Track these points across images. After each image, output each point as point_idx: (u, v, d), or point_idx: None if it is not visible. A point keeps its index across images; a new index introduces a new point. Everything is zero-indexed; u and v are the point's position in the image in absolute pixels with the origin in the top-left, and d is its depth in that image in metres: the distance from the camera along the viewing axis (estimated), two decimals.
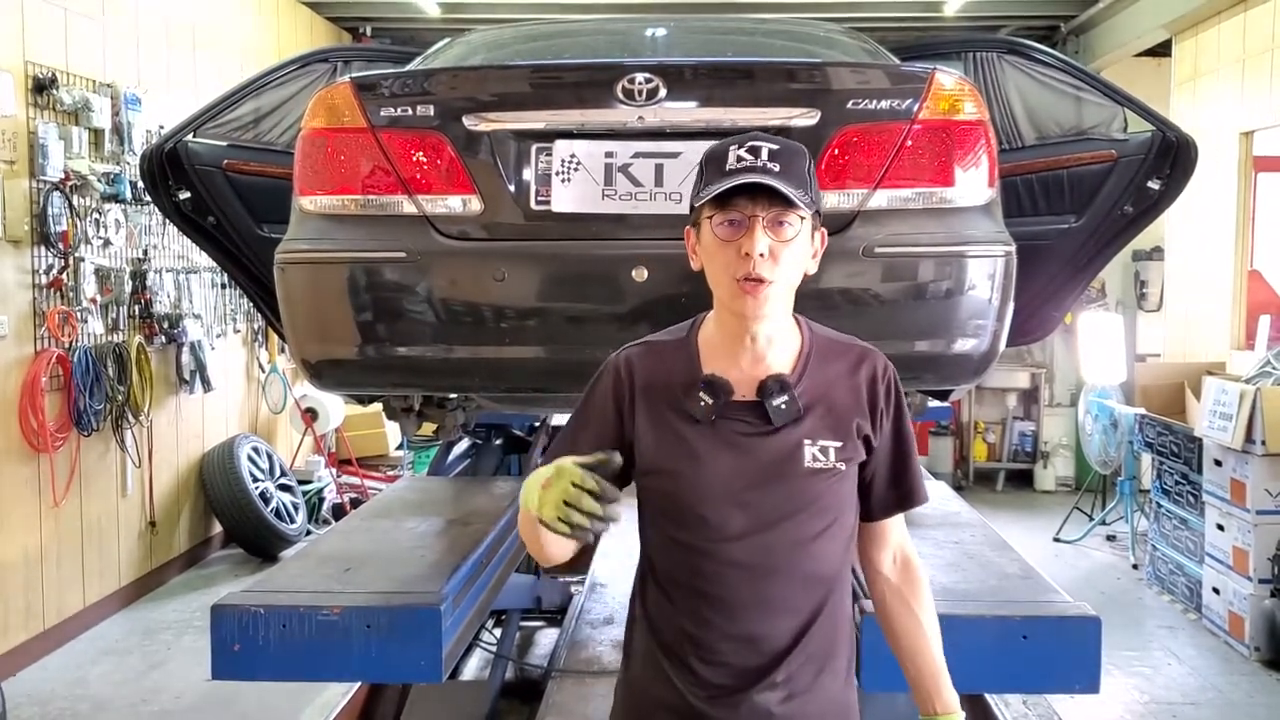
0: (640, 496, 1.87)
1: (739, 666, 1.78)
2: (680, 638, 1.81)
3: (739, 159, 1.72)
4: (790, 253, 1.73)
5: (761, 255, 1.70)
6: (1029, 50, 3.25)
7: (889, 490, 1.88)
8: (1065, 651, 2.47)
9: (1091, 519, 7.68)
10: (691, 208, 1.81)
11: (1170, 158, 2.98)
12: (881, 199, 2.53)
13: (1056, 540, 7.53)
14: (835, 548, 1.82)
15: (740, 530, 1.77)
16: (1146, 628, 5.77)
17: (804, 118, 2.51)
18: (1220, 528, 5.53)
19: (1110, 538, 7.49)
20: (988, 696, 4.05)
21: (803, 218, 1.74)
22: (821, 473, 1.78)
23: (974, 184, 2.57)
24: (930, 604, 1.93)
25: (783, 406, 1.76)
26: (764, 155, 1.71)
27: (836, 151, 2.52)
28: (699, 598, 1.79)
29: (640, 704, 1.86)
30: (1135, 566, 6.84)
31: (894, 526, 1.93)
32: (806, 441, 1.78)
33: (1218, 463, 5.53)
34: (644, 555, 1.90)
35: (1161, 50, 8.17)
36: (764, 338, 1.79)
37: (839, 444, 1.79)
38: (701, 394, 1.77)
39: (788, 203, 1.70)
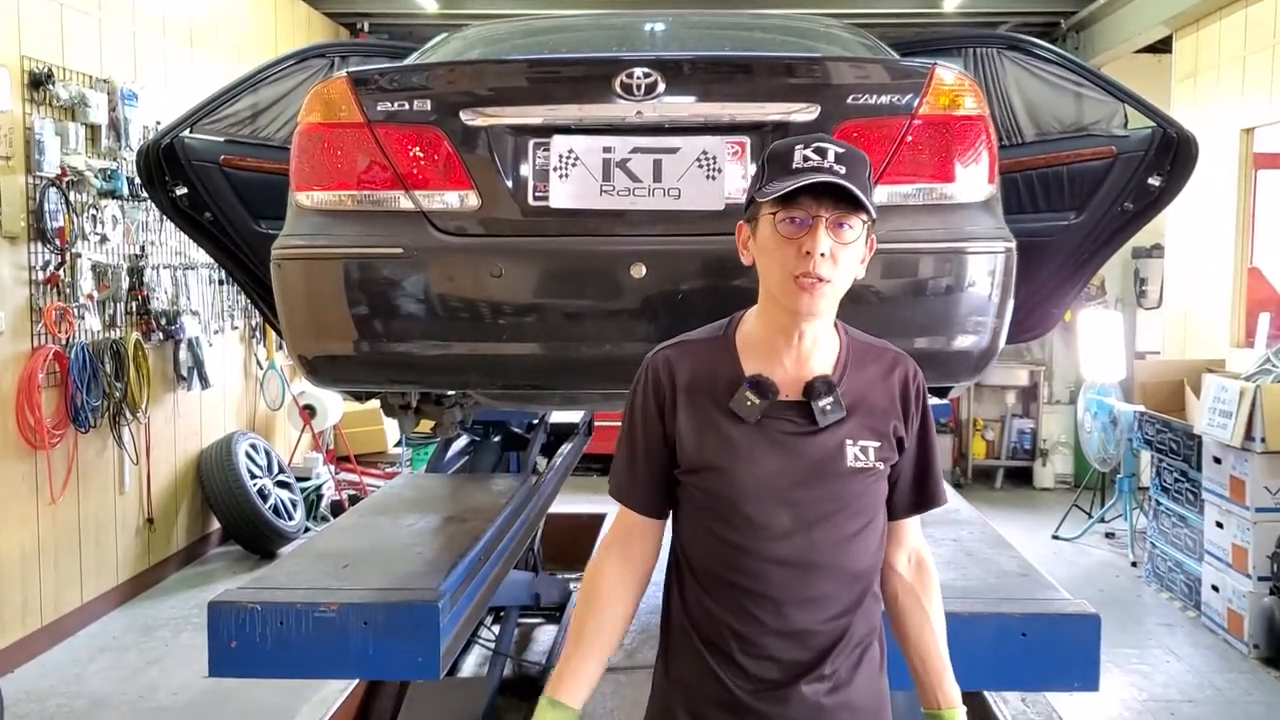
0: (680, 495, 1.89)
1: (786, 661, 1.82)
2: (725, 633, 1.83)
3: (805, 159, 1.75)
4: (848, 255, 1.77)
5: (823, 255, 1.73)
6: (1029, 46, 3.23)
7: (912, 492, 1.93)
8: (1064, 649, 2.47)
9: (1090, 516, 7.68)
10: (750, 202, 1.83)
11: (1171, 154, 2.97)
12: (881, 195, 2.51)
13: (1055, 538, 7.53)
14: (871, 545, 1.88)
15: (785, 529, 1.81)
16: (1145, 625, 5.77)
17: (803, 113, 2.50)
18: (1219, 525, 5.52)
19: (1109, 535, 7.49)
20: (987, 694, 4.06)
21: (864, 222, 1.77)
22: (862, 472, 1.83)
23: (974, 180, 2.55)
24: (939, 603, 1.98)
25: (828, 408, 1.81)
26: (830, 157, 1.74)
27: None
28: (744, 594, 1.82)
29: (686, 701, 1.88)
30: (1134, 564, 6.84)
31: (911, 527, 1.98)
32: (848, 441, 1.83)
33: (1217, 460, 5.52)
34: (680, 552, 1.92)
35: (1162, 47, 8.16)
36: (810, 338, 1.83)
37: (878, 444, 1.84)
38: (749, 393, 1.81)
39: (853, 206, 1.73)
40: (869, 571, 1.87)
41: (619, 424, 1.97)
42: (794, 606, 1.81)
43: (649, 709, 1.98)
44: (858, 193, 1.72)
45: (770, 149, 1.82)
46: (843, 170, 1.73)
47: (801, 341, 1.82)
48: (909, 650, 1.96)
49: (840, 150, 1.76)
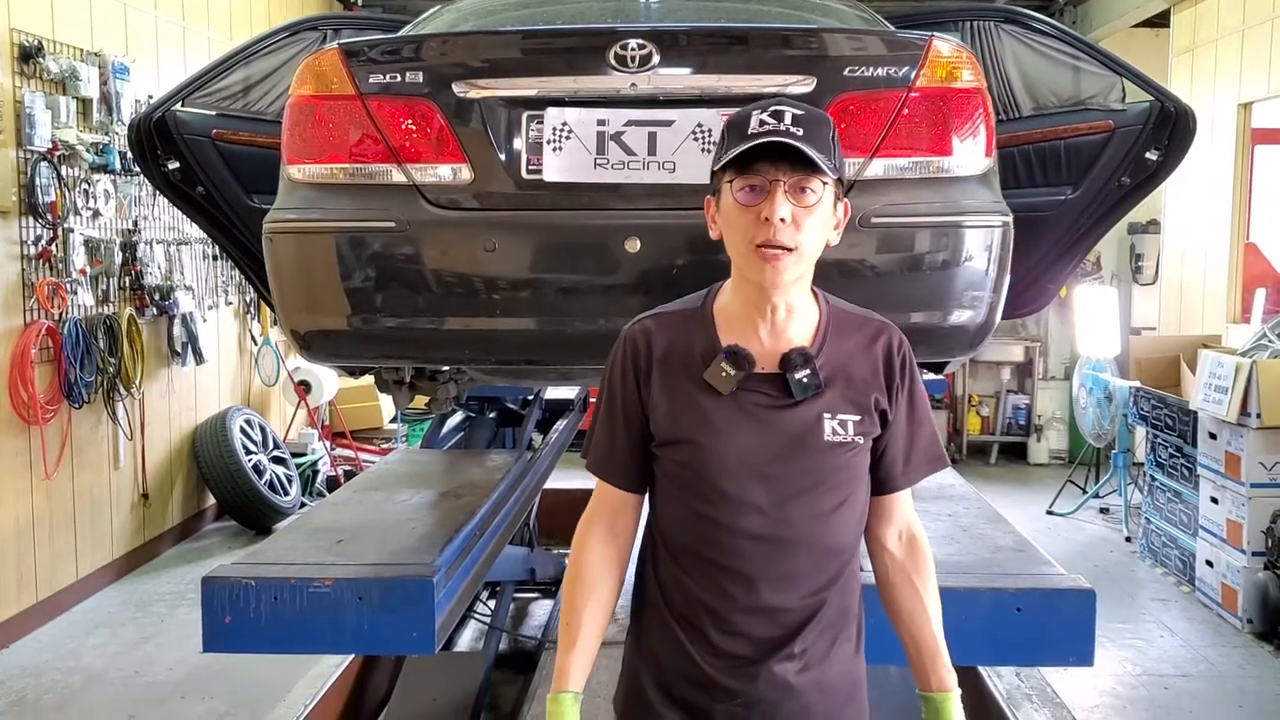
0: (656, 469, 1.86)
1: (757, 637, 1.79)
2: (697, 609, 1.81)
3: (761, 123, 1.70)
4: (813, 220, 1.71)
5: (783, 220, 1.68)
6: (1027, 19, 3.21)
7: (903, 464, 1.88)
8: (1059, 624, 2.47)
9: (1085, 492, 7.70)
10: (712, 174, 1.79)
11: (1168, 128, 2.95)
12: (878, 168, 2.49)
13: (1049, 513, 7.55)
14: (850, 521, 1.83)
15: (761, 503, 1.77)
16: (1139, 600, 5.79)
17: (800, 85, 2.47)
18: (1214, 501, 5.53)
19: (1103, 511, 7.51)
20: (981, 669, 4.07)
21: (825, 183, 1.71)
22: (840, 446, 1.78)
23: (971, 153, 2.53)
24: (933, 582, 1.93)
25: (805, 380, 1.76)
26: (787, 120, 1.69)
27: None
28: (718, 570, 1.79)
29: (657, 675, 1.86)
30: (1128, 539, 6.86)
31: (902, 502, 1.92)
32: (826, 415, 1.78)
33: (1212, 436, 5.53)
34: (655, 527, 1.89)
35: (1160, 21, 8.12)
36: (784, 309, 1.78)
37: (858, 418, 1.80)
38: (724, 365, 1.76)
39: (810, 168, 1.68)
40: (847, 548, 1.84)
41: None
42: (768, 583, 1.78)
43: (619, 682, 1.96)
44: (811, 153, 1.66)
45: (729, 118, 1.78)
46: (800, 132, 1.68)
47: (775, 313, 1.78)
48: (901, 630, 1.92)
49: (798, 112, 1.70)
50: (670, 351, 1.82)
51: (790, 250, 1.69)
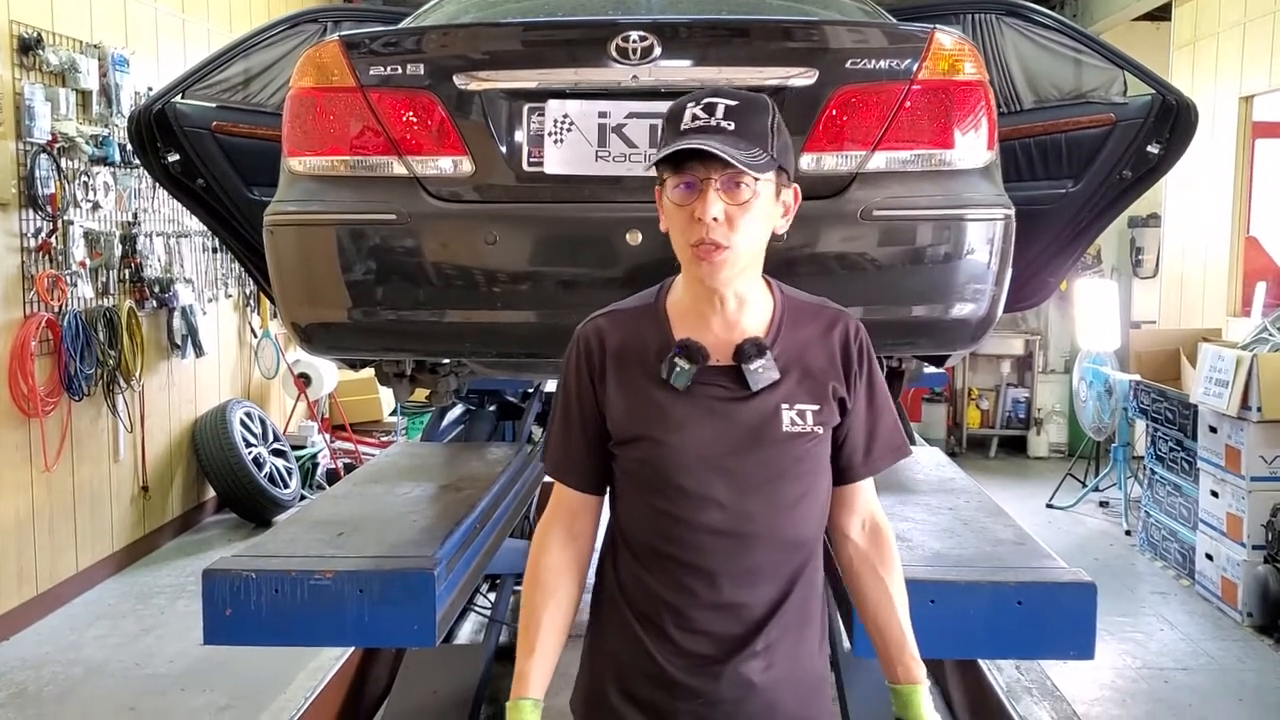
0: (615, 467, 1.83)
1: (720, 635, 1.76)
2: (658, 607, 1.78)
3: (694, 117, 1.66)
4: (748, 217, 1.67)
5: (715, 220, 1.64)
6: (1028, 12, 3.20)
7: (864, 453, 1.85)
8: (1060, 618, 2.47)
9: (1085, 485, 7.70)
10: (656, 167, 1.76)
11: (1170, 121, 2.95)
12: (880, 161, 2.49)
13: (1049, 507, 7.55)
14: (813, 512, 1.81)
15: (720, 497, 1.74)
16: (1139, 594, 5.79)
17: (801, 78, 2.47)
18: (1214, 494, 5.54)
19: (1103, 504, 7.51)
20: (981, 662, 4.08)
21: (759, 179, 1.67)
22: (800, 437, 1.76)
23: (973, 146, 2.53)
24: (899, 572, 1.90)
25: (760, 370, 1.73)
26: (719, 113, 1.65)
27: (834, 112, 2.48)
28: (679, 566, 1.76)
29: (617, 676, 1.83)
30: (1128, 533, 6.86)
31: (864, 491, 1.90)
32: (784, 405, 1.75)
33: (1212, 429, 5.53)
34: (614, 526, 1.87)
35: (1161, 14, 8.10)
36: (734, 300, 1.75)
37: (816, 407, 1.77)
38: (677, 359, 1.73)
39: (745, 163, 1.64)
40: (809, 541, 1.81)
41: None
42: (729, 578, 1.75)
43: (577, 683, 1.93)
44: (736, 154, 1.61)
45: (669, 108, 1.73)
46: (731, 125, 1.64)
47: (726, 305, 1.74)
48: (867, 622, 1.89)
49: (732, 103, 1.66)
50: (624, 348, 1.79)
51: (725, 248, 1.66)
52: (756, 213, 1.68)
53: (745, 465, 1.74)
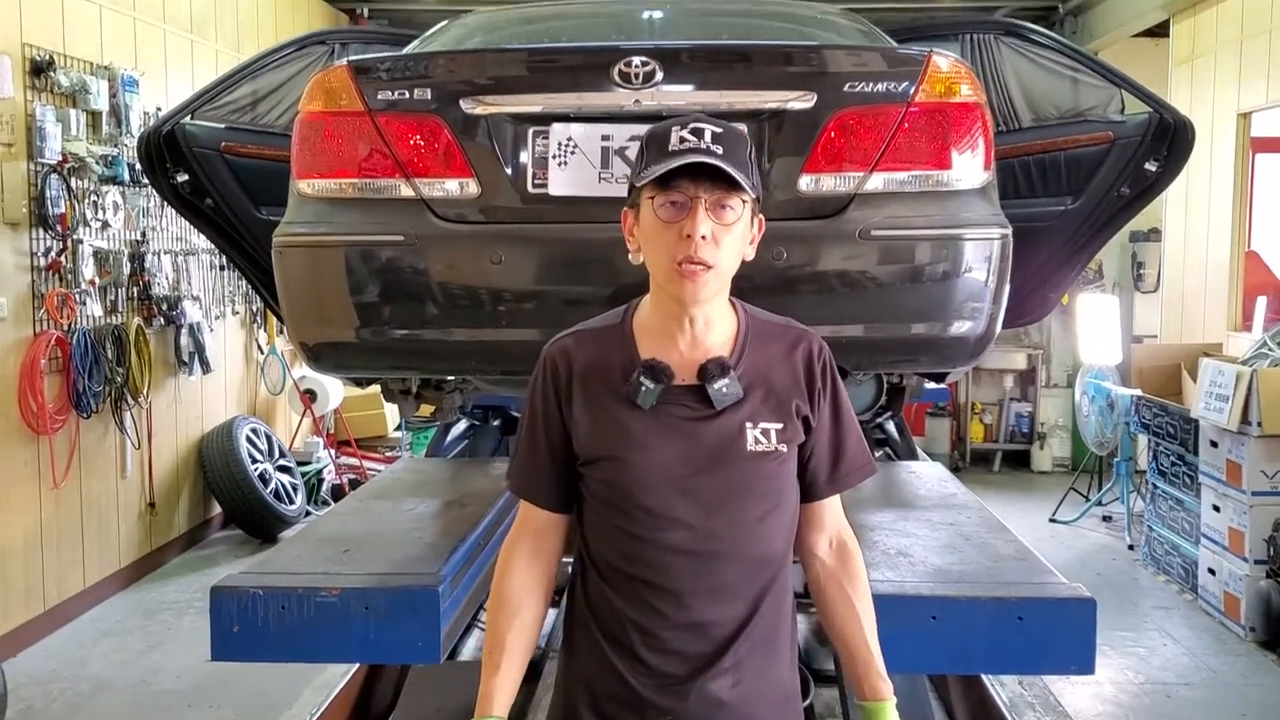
0: (582, 487, 1.84)
1: (688, 654, 1.77)
2: (626, 627, 1.78)
3: (682, 140, 1.69)
4: (731, 237, 1.71)
5: (704, 238, 1.68)
6: (1026, 32, 3.24)
7: (827, 471, 1.86)
8: (1060, 633, 2.48)
9: (1087, 500, 7.71)
10: (631, 188, 1.78)
11: (1167, 139, 2.98)
12: (878, 181, 2.53)
13: (1053, 521, 7.56)
14: (779, 531, 1.81)
15: (686, 517, 1.75)
16: (1142, 608, 5.80)
17: (800, 100, 2.51)
18: (1216, 509, 5.55)
19: (1106, 518, 7.52)
20: (984, 677, 4.09)
21: (745, 201, 1.72)
22: (764, 455, 1.77)
23: (970, 166, 2.57)
24: (866, 589, 1.90)
25: (724, 389, 1.74)
26: (707, 137, 1.69)
27: (833, 134, 2.52)
28: (645, 586, 1.77)
29: (589, 697, 1.83)
30: (1131, 547, 6.87)
31: (831, 510, 1.90)
32: (748, 424, 1.76)
33: (1214, 444, 5.54)
34: (582, 546, 1.87)
35: (1160, 31, 8.15)
36: (701, 320, 1.77)
37: (780, 425, 1.78)
38: (642, 378, 1.75)
39: (731, 186, 1.69)
40: (776, 558, 1.81)
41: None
42: (696, 597, 1.75)
43: (552, 703, 1.93)
44: (734, 172, 1.67)
45: (648, 131, 1.77)
46: (720, 150, 1.67)
47: (694, 325, 1.76)
48: (835, 640, 1.90)
49: (717, 130, 1.70)
50: (590, 368, 1.81)
51: (710, 267, 1.69)
52: (737, 234, 1.73)
53: (710, 484, 1.75)
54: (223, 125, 3.12)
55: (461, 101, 2.56)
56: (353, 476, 7.84)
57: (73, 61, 5.41)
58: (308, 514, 7.19)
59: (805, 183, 2.52)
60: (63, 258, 5.27)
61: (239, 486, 6.73)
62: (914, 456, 4.20)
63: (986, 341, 2.65)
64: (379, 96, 2.59)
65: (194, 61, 6.64)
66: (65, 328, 5.32)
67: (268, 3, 7.80)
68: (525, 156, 2.58)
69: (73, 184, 5.30)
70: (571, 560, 1.94)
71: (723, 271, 1.73)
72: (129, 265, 5.85)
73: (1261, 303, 6.45)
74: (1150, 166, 3.01)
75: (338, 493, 7.58)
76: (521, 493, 1.89)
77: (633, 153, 2.51)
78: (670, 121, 1.74)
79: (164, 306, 6.23)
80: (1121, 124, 3.05)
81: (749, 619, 1.78)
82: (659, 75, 2.49)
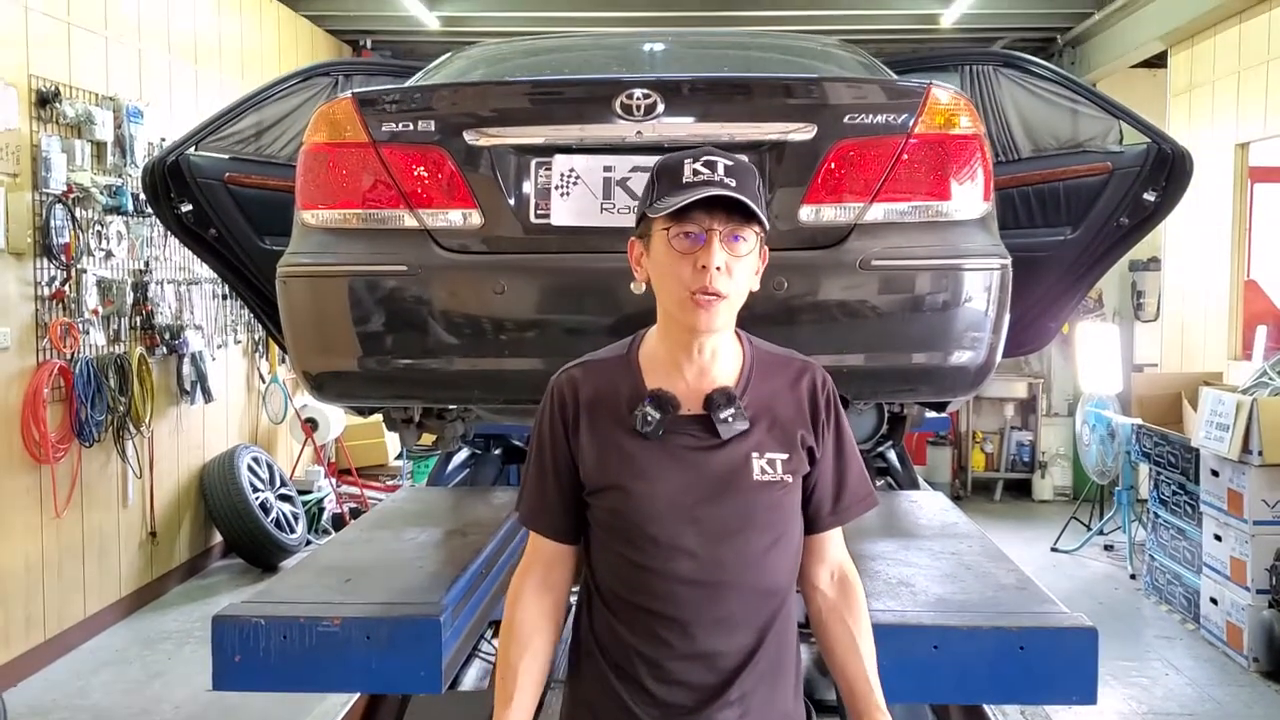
0: (589, 516, 1.85)
1: (695, 684, 1.77)
2: (633, 658, 1.79)
3: (695, 172, 1.72)
4: (742, 268, 1.74)
5: (719, 269, 1.70)
6: (1025, 63, 3.27)
7: (830, 504, 1.87)
8: (1062, 663, 2.47)
9: (1089, 529, 7.69)
10: (640, 219, 1.80)
11: (1166, 170, 3.00)
12: (878, 212, 2.55)
13: (1054, 550, 7.54)
14: (784, 561, 1.82)
15: (691, 547, 1.76)
16: (1144, 638, 5.78)
17: (801, 132, 2.54)
18: (1218, 538, 5.54)
19: (1108, 548, 7.50)
20: (985, 707, 4.07)
21: (757, 233, 1.75)
22: (770, 485, 1.78)
23: (970, 197, 2.59)
24: (866, 622, 1.91)
25: (730, 419, 1.76)
26: (720, 170, 1.72)
27: (833, 165, 2.54)
28: (651, 617, 1.77)
29: None
30: (1133, 576, 6.85)
31: (833, 541, 1.91)
32: (754, 454, 1.78)
33: (1215, 473, 5.54)
34: (589, 576, 1.87)
35: (1158, 62, 8.21)
36: (709, 351, 1.79)
37: (785, 456, 1.79)
38: (648, 408, 1.76)
39: (745, 218, 1.71)
40: (782, 589, 1.82)
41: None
42: (702, 628, 1.76)
43: None
44: (751, 204, 1.69)
45: (659, 163, 1.79)
46: (733, 183, 1.70)
47: (701, 355, 1.78)
48: (834, 672, 1.90)
49: (729, 163, 1.73)
50: (597, 399, 1.82)
51: (724, 297, 1.72)
52: (748, 265, 1.76)
53: (716, 514, 1.76)
54: (227, 156, 3.14)
55: (465, 133, 2.58)
56: (354, 505, 7.84)
57: (78, 92, 5.45)
58: (309, 543, 7.18)
59: (806, 213, 2.54)
60: (66, 287, 5.30)
61: (240, 515, 6.72)
62: (915, 486, 4.19)
63: (987, 371, 2.66)
64: (383, 128, 2.61)
65: (199, 92, 6.69)
66: (68, 357, 5.33)
67: (272, 34, 7.86)
68: (528, 187, 2.60)
69: (77, 214, 5.33)
70: (578, 589, 1.94)
71: (735, 301, 1.75)
72: (132, 294, 5.88)
73: (1261, 332, 6.46)
74: (1149, 196, 3.03)
75: (339, 522, 7.57)
76: (530, 523, 1.90)
77: (634, 184, 2.54)
78: (681, 154, 1.76)
79: (167, 336, 6.24)
80: (1120, 154, 3.07)
81: (755, 650, 1.79)
82: (660, 107, 2.52)
